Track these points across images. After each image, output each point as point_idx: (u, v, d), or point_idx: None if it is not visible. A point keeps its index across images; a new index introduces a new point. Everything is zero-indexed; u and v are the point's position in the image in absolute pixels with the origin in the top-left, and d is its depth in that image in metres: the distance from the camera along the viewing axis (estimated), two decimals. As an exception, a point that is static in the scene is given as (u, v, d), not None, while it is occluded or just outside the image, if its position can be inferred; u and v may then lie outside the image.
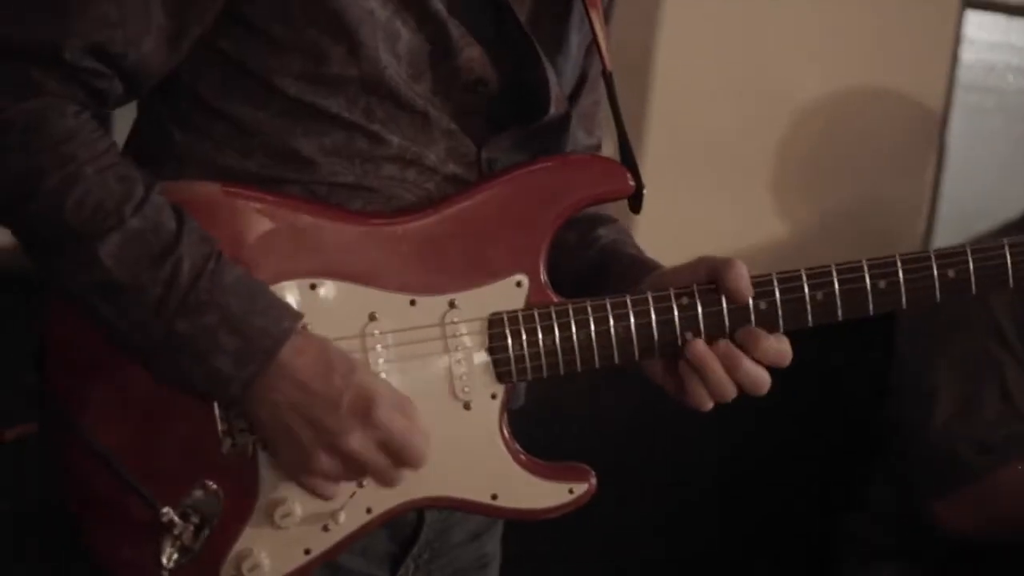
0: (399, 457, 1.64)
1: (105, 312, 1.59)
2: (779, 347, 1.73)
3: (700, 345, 1.73)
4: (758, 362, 1.73)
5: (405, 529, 1.82)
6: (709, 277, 1.75)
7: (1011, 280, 1.76)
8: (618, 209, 1.84)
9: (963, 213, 3.27)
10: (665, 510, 3.22)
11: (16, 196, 1.57)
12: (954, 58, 3.35)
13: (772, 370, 1.74)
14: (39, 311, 1.69)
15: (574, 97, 1.85)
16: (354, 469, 1.64)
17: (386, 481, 1.67)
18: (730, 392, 1.74)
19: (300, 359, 1.61)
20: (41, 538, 1.78)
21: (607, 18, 1.88)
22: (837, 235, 2.98)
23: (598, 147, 1.97)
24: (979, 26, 3.43)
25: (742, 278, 1.72)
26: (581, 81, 1.87)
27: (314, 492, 1.66)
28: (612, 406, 2.97)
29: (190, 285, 1.58)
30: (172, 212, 1.60)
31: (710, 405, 1.75)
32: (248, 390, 1.60)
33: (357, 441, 1.62)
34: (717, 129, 3.04)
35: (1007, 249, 1.76)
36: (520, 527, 1.84)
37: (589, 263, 1.88)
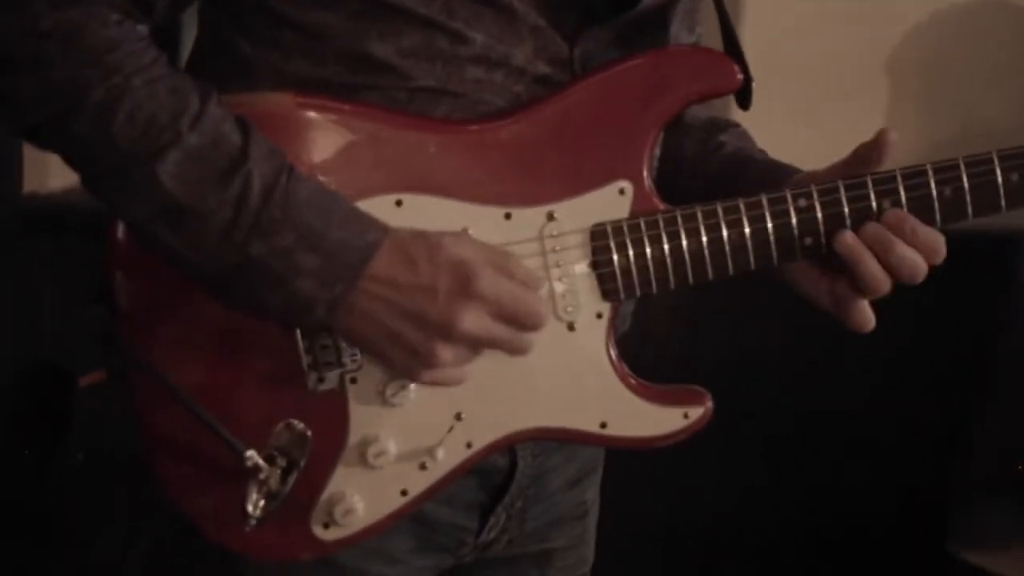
0: (518, 322, 1.50)
1: (170, 241, 1.44)
2: (934, 235, 1.59)
3: (848, 235, 1.59)
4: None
5: (495, 476, 1.69)
6: (850, 167, 1.61)
7: None
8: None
9: None
10: (758, 452, 3.13)
11: (59, 114, 1.42)
12: None
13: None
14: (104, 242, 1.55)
15: None
16: (478, 348, 1.50)
17: (517, 349, 1.52)
18: (884, 283, 1.59)
19: (384, 265, 1.46)
20: (124, 487, 1.64)
21: None
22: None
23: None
24: None
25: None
26: None
27: (444, 383, 1.51)
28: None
29: (262, 203, 1.43)
30: (235, 124, 1.45)
31: (868, 315, 1.63)
32: (334, 311, 1.46)
33: (471, 321, 1.47)
34: (816, 50, 2.95)
35: None
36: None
37: (718, 173, 1.76)
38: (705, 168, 1.78)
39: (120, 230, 1.53)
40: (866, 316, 1.63)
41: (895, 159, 1.63)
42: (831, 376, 3.03)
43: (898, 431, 3.16)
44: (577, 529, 1.85)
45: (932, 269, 1.61)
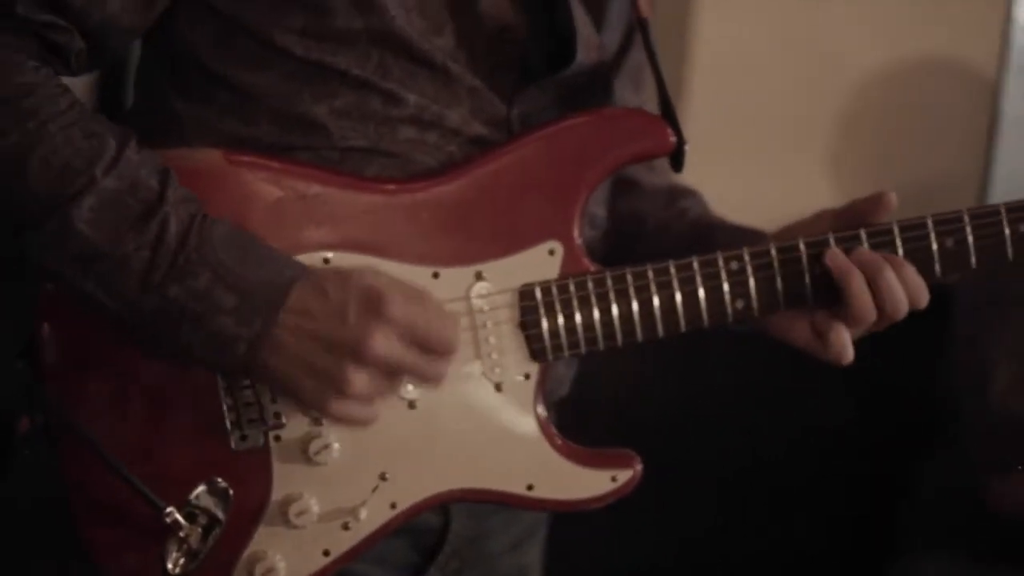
0: (429, 346, 1.49)
1: (89, 288, 1.44)
2: (920, 280, 1.60)
3: (838, 252, 1.59)
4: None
5: (428, 536, 1.68)
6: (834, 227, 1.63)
7: None
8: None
9: (1019, 181, 3.17)
10: (705, 502, 3.13)
11: None
12: (1007, 24, 3.25)
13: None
14: (27, 294, 1.54)
15: (621, 52, 1.72)
16: (388, 375, 1.49)
17: (429, 376, 1.51)
18: (869, 308, 1.59)
19: (299, 299, 1.46)
20: (44, 535, 1.63)
21: None
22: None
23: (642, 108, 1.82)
24: None
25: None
26: (628, 34, 1.73)
27: (355, 419, 1.50)
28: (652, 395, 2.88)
29: (179, 246, 1.43)
30: (153, 169, 1.46)
31: (848, 341, 1.62)
32: (255, 348, 1.45)
33: (381, 343, 1.46)
34: (762, 97, 2.96)
35: None
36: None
37: (681, 238, 1.76)
38: (668, 234, 1.78)
39: (48, 284, 1.53)
40: (846, 342, 1.62)
41: (836, 202, 1.64)
42: (774, 427, 3.05)
43: (836, 484, 3.18)
44: None
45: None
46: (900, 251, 1.59)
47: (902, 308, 1.59)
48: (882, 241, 1.59)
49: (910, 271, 1.58)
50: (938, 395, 2.96)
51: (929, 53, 3.15)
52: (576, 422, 1.70)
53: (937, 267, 1.60)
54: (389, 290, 1.47)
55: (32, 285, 1.54)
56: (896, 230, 1.60)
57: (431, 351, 1.49)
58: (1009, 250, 1.61)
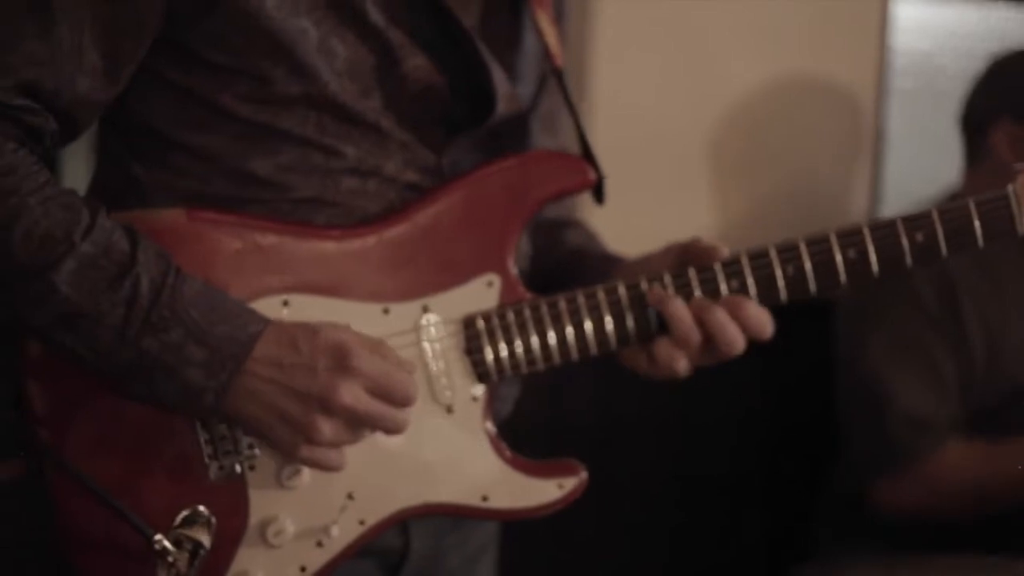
0: (391, 397, 1.63)
1: (70, 344, 1.58)
2: (760, 313, 1.74)
3: (657, 289, 1.75)
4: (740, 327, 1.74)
5: (392, 556, 1.82)
6: (680, 260, 1.77)
7: (980, 239, 1.76)
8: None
9: (908, 198, 3.29)
10: (631, 514, 3.21)
11: None
12: (884, 45, 3.38)
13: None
14: (12, 351, 1.67)
15: (535, 100, 1.86)
16: (354, 424, 1.63)
17: (392, 426, 1.65)
18: (692, 333, 1.74)
19: (266, 349, 1.60)
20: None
21: (560, 16, 1.89)
22: (780, 225, 2.99)
23: (563, 150, 1.97)
24: (908, 13, 3.46)
25: (718, 252, 1.75)
26: (540, 84, 1.88)
27: (324, 465, 1.64)
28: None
29: (151, 303, 1.57)
30: (123, 233, 1.59)
31: (680, 360, 1.76)
32: (223, 397, 1.60)
33: (348, 394, 1.60)
34: (656, 126, 3.05)
35: (972, 206, 1.76)
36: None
37: (559, 265, 1.90)
38: (546, 262, 1.91)
39: (30, 353, 1.66)
40: (677, 358, 1.75)
41: (729, 222, 1.78)
42: (688, 438, 3.17)
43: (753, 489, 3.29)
44: None
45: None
46: (750, 279, 1.74)
47: (736, 342, 1.74)
48: (733, 271, 1.74)
49: (746, 306, 1.74)
50: (833, 404, 3.06)
51: (810, 77, 3.25)
52: (519, 439, 1.85)
53: (782, 294, 1.75)
54: (356, 345, 1.62)
55: (16, 343, 1.67)
56: (744, 258, 1.75)
57: (395, 401, 1.64)
58: (841, 275, 1.75)
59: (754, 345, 1.77)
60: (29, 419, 1.66)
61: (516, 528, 1.90)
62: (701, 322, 1.74)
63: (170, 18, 1.61)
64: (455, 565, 1.91)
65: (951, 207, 1.75)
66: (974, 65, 3.07)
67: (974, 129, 3.00)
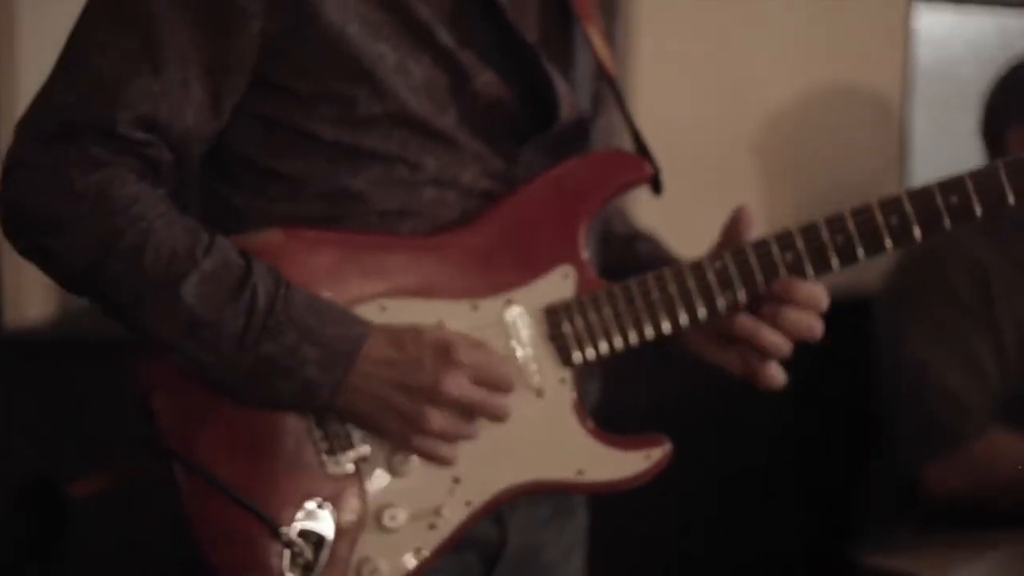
0: (493, 386, 1.79)
1: (195, 352, 1.73)
2: (814, 289, 1.88)
3: (743, 318, 1.89)
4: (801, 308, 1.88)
5: (491, 548, 1.94)
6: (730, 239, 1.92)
7: (1010, 196, 1.87)
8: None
9: None
10: (665, 508, 3.27)
11: (98, 257, 1.71)
12: (908, 54, 3.51)
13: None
14: (139, 370, 1.83)
15: (594, 115, 1.99)
16: (461, 413, 1.78)
17: (495, 412, 1.79)
18: (784, 346, 1.89)
19: (376, 349, 1.75)
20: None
21: (609, 32, 2.03)
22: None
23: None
24: (930, 20, 3.59)
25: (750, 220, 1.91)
26: (596, 99, 2.01)
27: (435, 456, 1.79)
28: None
29: (268, 310, 1.72)
30: (236, 250, 1.75)
31: (778, 373, 1.92)
32: (337, 392, 1.75)
33: (453, 385, 1.75)
34: (691, 134, 3.18)
35: (1001, 167, 1.87)
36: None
37: (633, 273, 2.00)
38: (621, 273, 1.97)
39: (152, 358, 1.80)
40: (777, 375, 1.92)
41: (762, 227, 1.91)
42: (736, 428, 3.30)
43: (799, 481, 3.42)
44: None
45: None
46: (801, 247, 1.87)
47: (814, 327, 1.89)
48: (786, 244, 1.88)
49: (800, 288, 1.88)
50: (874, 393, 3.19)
51: (837, 84, 3.40)
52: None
53: (834, 261, 1.88)
54: (457, 339, 1.77)
55: (142, 363, 1.83)
56: (796, 232, 1.88)
57: (496, 389, 1.80)
58: (886, 240, 1.88)
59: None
60: (158, 429, 1.80)
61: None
62: (782, 327, 1.88)
63: (264, 53, 1.77)
64: (551, 559, 2.02)
65: (981, 169, 1.89)
66: (996, 71, 3.19)
67: (993, 134, 3.13)
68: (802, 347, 1.92)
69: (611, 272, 1.97)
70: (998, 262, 3.04)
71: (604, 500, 1.96)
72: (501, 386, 1.79)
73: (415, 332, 1.77)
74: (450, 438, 1.79)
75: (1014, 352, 3.02)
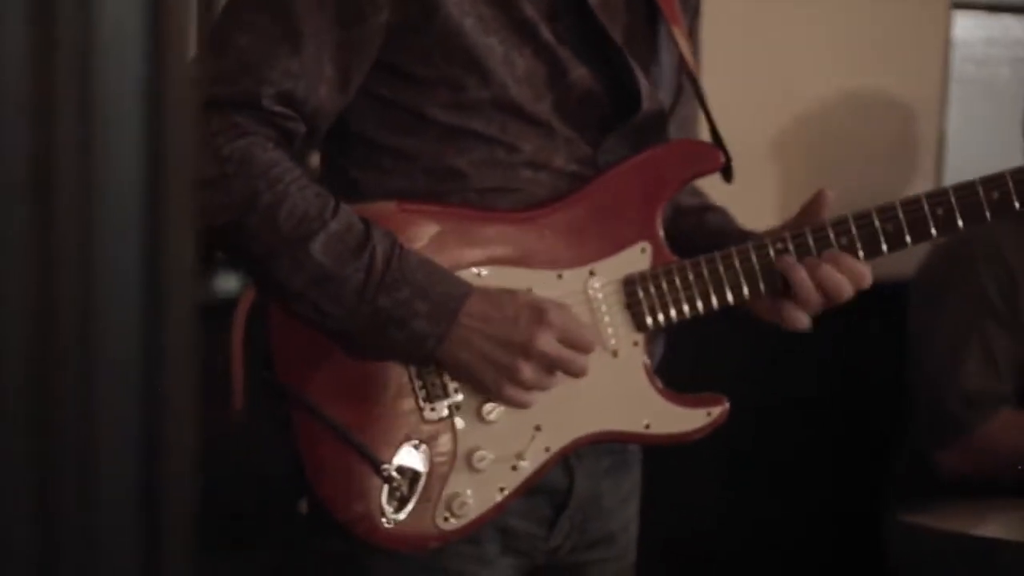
0: (577, 346, 2.01)
1: (320, 302, 1.95)
2: (856, 264, 2.10)
3: (788, 257, 2.10)
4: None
5: (558, 496, 2.16)
6: (800, 221, 2.14)
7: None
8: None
9: None
10: (701, 486, 3.55)
11: (240, 213, 1.93)
12: (946, 56, 3.68)
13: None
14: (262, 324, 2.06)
15: (673, 107, 2.20)
16: (548, 368, 2.00)
17: (577, 370, 2.01)
18: (812, 293, 2.08)
19: (476, 307, 1.98)
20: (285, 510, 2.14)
21: (692, 31, 2.26)
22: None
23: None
24: (967, 25, 3.75)
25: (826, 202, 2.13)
26: (677, 93, 2.22)
27: (521, 402, 2.01)
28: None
29: (384, 268, 1.95)
30: (357, 216, 1.98)
31: (803, 316, 2.11)
32: (442, 343, 1.97)
33: (544, 341, 1.97)
34: (733, 132, 3.33)
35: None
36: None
37: (705, 243, 2.20)
38: (694, 242, 2.21)
39: (276, 315, 2.04)
40: (802, 318, 2.11)
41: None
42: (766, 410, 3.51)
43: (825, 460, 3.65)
44: (623, 540, 2.31)
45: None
46: (854, 231, 2.10)
47: (844, 288, 2.09)
48: (841, 229, 2.10)
49: (846, 259, 2.08)
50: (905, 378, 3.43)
51: (876, 90, 3.58)
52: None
53: (883, 246, 2.11)
54: (548, 303, 2.00)
55: (265, 317, 2.06)
56: (850, 218, 2.10)
57: (579, 349, 2.02)
58: (933, 228, 2.11)
59: (826, 327, 2.13)
60: (279, 375, 2.04)
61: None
62: (814, 278, 2.09)
63: (388, 40, 1.99)
64: (610, 505, 2.25)
65: (1020, 168, 2.12)
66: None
67: None
68: (847, 326, 2.13)
69: (683, 239, 2.18)
70: (1022, 260, 3.27)
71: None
72: (583, 347, 2.02)
73: (511, 294, 2.00)
74: (537, 389, 2.02)
75: None
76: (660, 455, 2.22)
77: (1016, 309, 3.26)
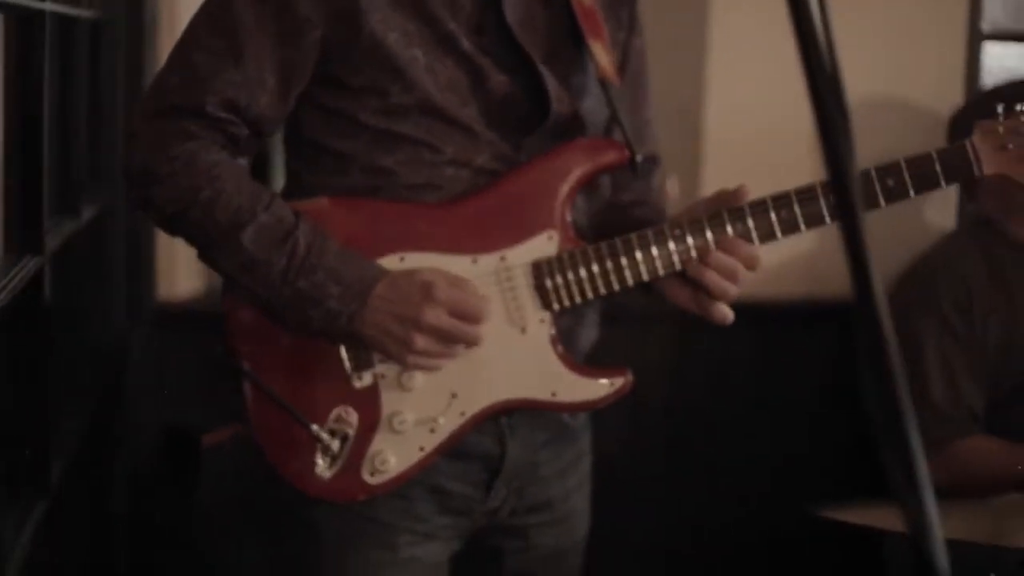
0: (468, 318, 2.24)
1: (249, 284, 2.23)
2: (751, 249, 2.29)
3: (694, 263, 2.30)
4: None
5: (493, 461, 2.39)
6: (714, 206, 2.33)
7: (942, 180, 2.31)
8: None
9: None
10: (693, 497, 3.67)
11: (184, 206, 2.23)
12: (976, 86, 3.76)
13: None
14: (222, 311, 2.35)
15: (639, 110, 2.46)
16: (440, 338, 2.23)
17: (469, 339, 2.24)
18: (720, 285, 2.28)
19: (385, 289, 2.23)
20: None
21: (627, 45, 2.48)
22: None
23: (654, 159, 2.55)
24: (997, 55, 3.84)
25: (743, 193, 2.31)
26: (630, 98, 2.45)
27: (422, 366, 2.25)
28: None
29: (305, 255, 2.21)
30: (290, 210, 2.25)
31: (726, 311, 2.31)
32: (353, 321, 2.22)
33: (432, 316, 2.21)
34: (760, 132, 3.53)
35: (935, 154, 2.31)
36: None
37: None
38: (622, 232, 2.36)
39: (228, 298, 2.33)
40: (726, 313, 2.31)
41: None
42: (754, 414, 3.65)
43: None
44: (563, 509, 2.53)
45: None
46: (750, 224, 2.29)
47: (738, 271, 2.28)
48: (737, 216, 2.29)
49: (739, 244, 2.27)
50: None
51: (906, 119, 3.69)
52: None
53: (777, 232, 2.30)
54: (438, 280, 2.23)
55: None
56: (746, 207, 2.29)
57: (472, 321, 2.25)
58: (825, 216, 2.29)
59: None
60: (232, 353, 2.33)
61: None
62: (709, 263, 2.29)
63: (323, 54, 2.25)
64: (546, 474, 2.47)
65: (916, 157, 2.30)
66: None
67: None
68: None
69: (611, 232, 2.36)
70: (982, 279, 3.39)
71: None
72: (472, 317, 2.25)
73: (408, 274, 2.25)
74: (437, 357, 2.27)
75: (992, 365, 3.38)
76: (668, 457, 2.35)
77: (974, 331, 3.35)
